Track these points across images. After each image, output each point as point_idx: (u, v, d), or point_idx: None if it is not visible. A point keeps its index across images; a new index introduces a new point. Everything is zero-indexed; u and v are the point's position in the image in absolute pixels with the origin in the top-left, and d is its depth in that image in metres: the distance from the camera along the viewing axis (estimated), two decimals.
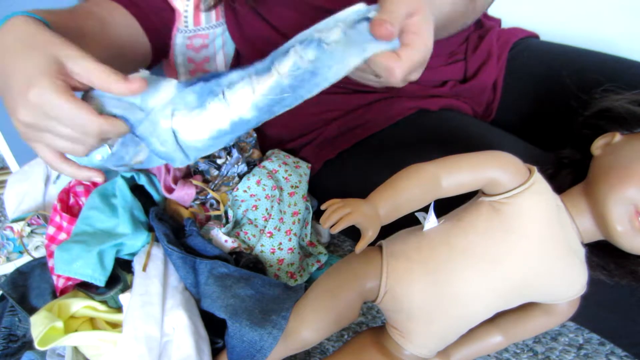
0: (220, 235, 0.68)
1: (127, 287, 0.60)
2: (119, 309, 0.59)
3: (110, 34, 0.59)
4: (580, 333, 0.59)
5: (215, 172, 0.84)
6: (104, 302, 0.59)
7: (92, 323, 0.59)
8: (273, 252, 0.68)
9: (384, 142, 0.68)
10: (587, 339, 0.59)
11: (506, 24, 0.82)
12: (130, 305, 0.56)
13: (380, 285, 0.50)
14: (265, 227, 0.70)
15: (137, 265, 0.59)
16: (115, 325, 0.58)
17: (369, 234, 0.44)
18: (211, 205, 0.77)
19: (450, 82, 0.70)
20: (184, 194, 0.72)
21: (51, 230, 0.67)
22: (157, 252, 0.61)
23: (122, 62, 0.54)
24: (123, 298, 0.58)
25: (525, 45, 0.72)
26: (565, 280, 0.46)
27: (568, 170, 0.50)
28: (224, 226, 0.70)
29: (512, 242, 0.44)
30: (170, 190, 0.73)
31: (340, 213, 0.43)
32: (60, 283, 0.60)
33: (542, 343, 0.60)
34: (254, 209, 0.72)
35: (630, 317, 0.50)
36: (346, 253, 0.77)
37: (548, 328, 0.50)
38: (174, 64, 0.82)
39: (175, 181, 0.75)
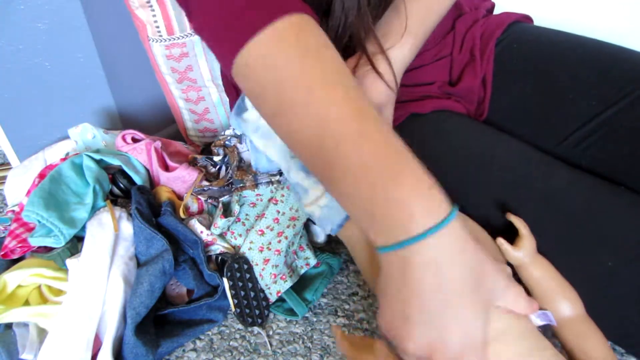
0: (197, 226, 0.64)
1: (75, 250, 0.55)
2: (64, 273, 0.54)
3: None
4: None
5: (212, 169, 0.79)
6: (50, 262, 0.55)
7: (39, 291, 0.55)
8: (261, 251, 0.63)
9: None
10: None
11: (500, 7, 0.73)
12: (77, 273, 0.52)
13: None
14: (253, 225, 0.64)
15: (88, 233, 0.55)
16: (59, 293, 0.54)
17: None
18: (206, 200, 0.72)
19: (438, 82, 0.65)
20: (185, 174, 0.71)
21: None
22: (110, 222, 0.58)
23: None
24: (70, 263, 0.53)
25: (516, 36, 0.65)
26: None
27: None
28: (225, 217, 0.65)
29: None
30: (167, 168, 0.72)
31: None
32: (11, 244, 0.55)
33: None
34: (251, 205, 0.67)
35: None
36: (342, 253, 0.71)
37: None
38: (161, 74, 0.82)
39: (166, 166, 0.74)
